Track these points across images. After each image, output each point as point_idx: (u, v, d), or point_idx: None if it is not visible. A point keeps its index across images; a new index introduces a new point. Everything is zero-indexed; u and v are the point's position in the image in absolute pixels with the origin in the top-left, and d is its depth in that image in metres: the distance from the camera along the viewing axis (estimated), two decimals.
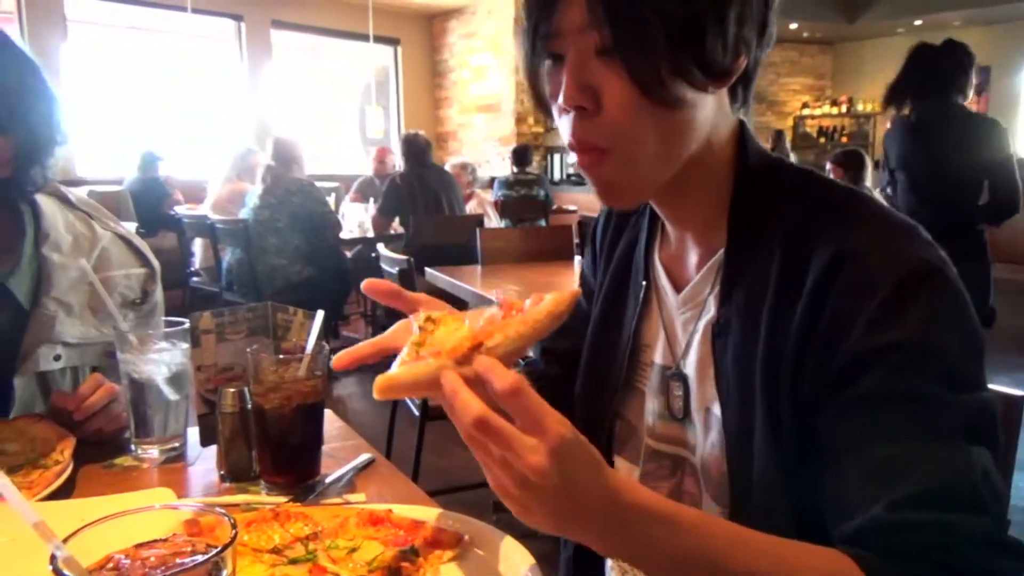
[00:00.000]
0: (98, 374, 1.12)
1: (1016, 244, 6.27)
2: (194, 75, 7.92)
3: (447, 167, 5.68)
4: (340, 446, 1.06)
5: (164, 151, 6.60)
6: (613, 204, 0.74)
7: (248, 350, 0.92)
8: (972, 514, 0.58)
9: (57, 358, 1.16)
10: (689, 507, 0.58)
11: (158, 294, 1.32)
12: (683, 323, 0.82)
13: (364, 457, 1.01)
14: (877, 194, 3.53)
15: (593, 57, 0.67)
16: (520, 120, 8.78)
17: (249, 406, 0.94)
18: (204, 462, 1.02)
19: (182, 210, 5.77)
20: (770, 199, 0.74)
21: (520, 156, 6.46)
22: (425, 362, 0.58)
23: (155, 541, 0.55)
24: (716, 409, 0.76)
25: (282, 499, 0.89)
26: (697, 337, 0.80)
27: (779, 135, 8.69)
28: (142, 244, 1.32)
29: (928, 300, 0.63)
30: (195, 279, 5.13)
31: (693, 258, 0.82)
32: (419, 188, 4.78)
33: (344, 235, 4.74)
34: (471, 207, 5.53)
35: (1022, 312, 5.60)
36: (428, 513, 0.81)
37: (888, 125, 3.37)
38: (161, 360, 1.02)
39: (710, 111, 0.72)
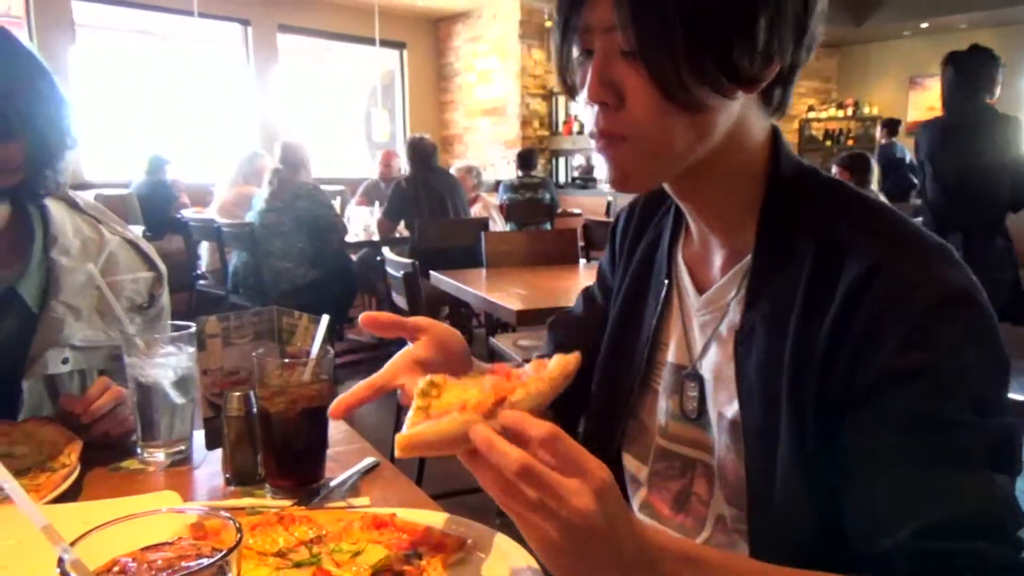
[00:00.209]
0: (105, 377, 1.12)
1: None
2: (201, 79, 7.94)
3: (452, 170, 5.66)
4: (345, 450, 1.07)
5: (171, 154, 6.61)
6: (624, 188, 0.74)
7: (254, 354, 0.92)
8: (996, 543, 0.59)
9: (65, 361, 1.17)
10: (712, 548, 0.58)
11: (165, 298, 1.32)
12: (701, 324, 0.82)
13: (368, 461, 1.02)
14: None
15: (618, 56, 0.67)
16: (525, 124, 8.79)
17: (254, 410, 0.94)
18: (209, 465, 1.03)
19: (188, 213, 5.78)
20: (802, 207, 0.74)
21: (525, 160, 6.45)
22: (450, 417, 0.58)
23: (161, 544, 0.56)
24: (730, 413, 0.76)
25: (287, 502, 0.89)
26: (717, 340, 0.80)
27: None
28: (149, 248, 1.33)
29: (961, 325, 0.63)
30: (201, 282, 5.14)
31: (718, 260, 0.81)
32: (424, 191, 4.78)
33: (349, 238, 4.74)
34: (476, 210, 5.52)
35: None
36: (432, 517, 0.81)
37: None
38: (167, 364, 1.03)
39: (737, 113, 0.72)
